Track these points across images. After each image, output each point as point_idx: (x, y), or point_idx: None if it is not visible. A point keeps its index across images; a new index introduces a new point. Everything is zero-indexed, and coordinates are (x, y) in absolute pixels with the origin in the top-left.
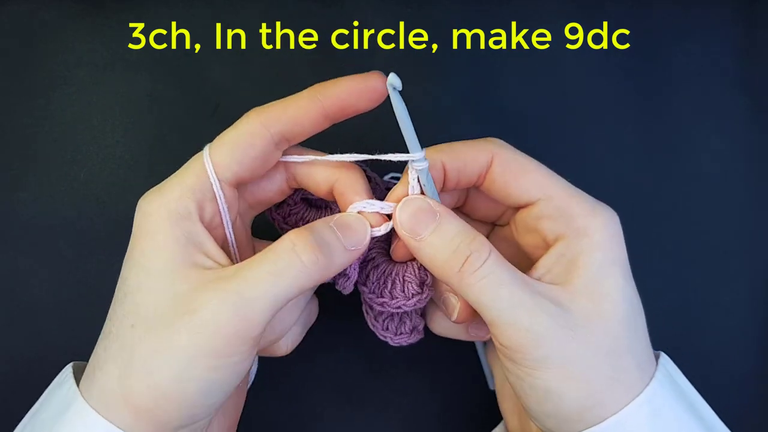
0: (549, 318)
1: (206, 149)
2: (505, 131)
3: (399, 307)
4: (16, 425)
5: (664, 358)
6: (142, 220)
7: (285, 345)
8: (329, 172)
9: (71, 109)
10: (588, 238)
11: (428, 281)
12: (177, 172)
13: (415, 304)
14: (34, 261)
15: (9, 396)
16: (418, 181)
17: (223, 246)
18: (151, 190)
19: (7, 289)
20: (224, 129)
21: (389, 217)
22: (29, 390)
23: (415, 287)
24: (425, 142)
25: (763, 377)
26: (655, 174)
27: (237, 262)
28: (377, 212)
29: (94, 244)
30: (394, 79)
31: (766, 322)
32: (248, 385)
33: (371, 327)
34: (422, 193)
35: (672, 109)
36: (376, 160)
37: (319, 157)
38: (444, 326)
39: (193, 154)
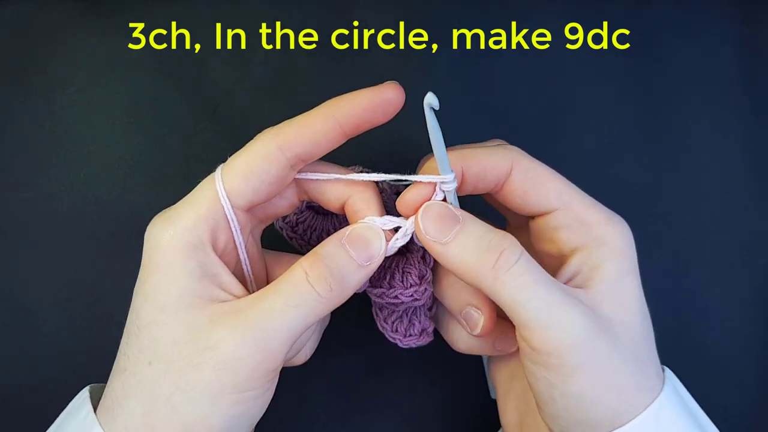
0: (586, 319)
1: (218, 173)
2: (505, 131)
3: (396, 297)
4: (14, 423)
5: (667, 370)
6: (153, 252)
7: (304, 355)
8: (342, 188)
9: (71, 109)
10: (607, 246)
11: (428, 276)
12: (187, 196)
13: (412, 295)
14: (34, 261)
15: (8, 395)
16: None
17: (237, 267)
18: (159, 216)
19: (7, 289)
20: (224, 129)
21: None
22: (29, 390)
23: (414, 278)
24: (425, 143)
25: (763, 378)
26: (655, 174)
27: (251, 281)
28: (390, 230)
29: (94, 244)
30: (431, 99)
31: (766, 322)
32: None
33: (380, 328)
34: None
35: (672, 109)
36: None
37: (340, 176)
38: (469, 343)
39: (193, 154)
